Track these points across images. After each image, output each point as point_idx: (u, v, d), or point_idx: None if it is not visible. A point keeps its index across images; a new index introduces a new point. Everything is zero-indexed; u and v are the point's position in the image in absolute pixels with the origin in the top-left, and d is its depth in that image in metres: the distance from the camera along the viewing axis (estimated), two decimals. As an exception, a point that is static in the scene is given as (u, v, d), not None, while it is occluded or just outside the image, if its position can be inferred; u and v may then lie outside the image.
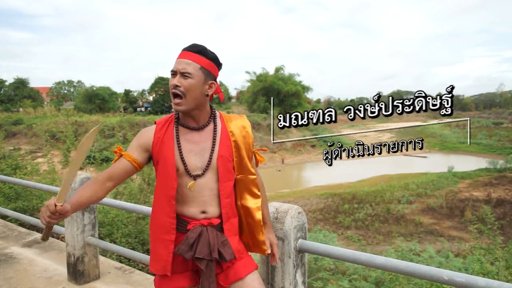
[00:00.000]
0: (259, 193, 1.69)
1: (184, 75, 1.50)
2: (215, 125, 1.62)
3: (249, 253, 1.75)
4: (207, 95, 1.57)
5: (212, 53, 1.56)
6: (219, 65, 1.59)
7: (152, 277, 3.19)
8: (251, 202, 1.66)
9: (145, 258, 2.65)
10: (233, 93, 67.41)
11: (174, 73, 1.52)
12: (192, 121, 1.59)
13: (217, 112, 1.66)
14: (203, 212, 1.59)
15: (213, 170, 1.58)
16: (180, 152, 1.56)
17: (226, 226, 1.62)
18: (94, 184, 1.55)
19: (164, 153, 1.56)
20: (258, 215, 1.66)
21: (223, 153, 1.59)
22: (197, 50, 1.53)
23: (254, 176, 1.66)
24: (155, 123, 1.63)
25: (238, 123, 1.65)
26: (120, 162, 1.58)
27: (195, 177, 1.57)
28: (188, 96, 1.51)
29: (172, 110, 1.63)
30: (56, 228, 3.50)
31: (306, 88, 48.98)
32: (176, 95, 1.52)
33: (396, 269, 1.62)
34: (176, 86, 1.50)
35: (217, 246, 1.54)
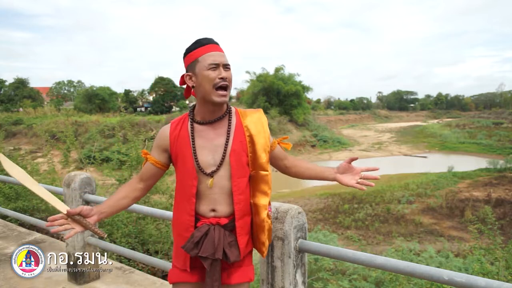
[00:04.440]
0: (269, 191, 1.64)
1: (226, 67, 1.53)
2: (229, 120, 1.60)
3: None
4: None
5: None
6: None
7: (152, 277, 3.19)
8: (260, 200, 1.61)
9: (145, 258, 2.65)
10: (233, 93, 67.43)
11: (216, 66, 1.50)
12: (211, 114, 1.57)
13: (232, 107, 1.65)
14: (213, 210, 1.58)
15: (226, 167, 1.56)
16: (194, 150, 1.55)
17: (240, 223, 1.59)
18: (127, 186, 1.66)
19: (182, 152, 1.57)
20: (263, 214, 1.62)
21: (236, 147, 1.56)
22: (218, 43, 1.58)
23: (266, 172, 1.61)
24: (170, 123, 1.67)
25: (254, 118, 1.63)
26: (146, 164, 1.70)
27: (211, 174, 1.55)
28: (230, 87, 1.55)
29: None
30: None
31: (306, 88, 48.89)
32: (223, 88, 1.52)
33: (396, 269, 1.62)
34: (225, 79, 1.51)
35: (222, 246, 1.52)
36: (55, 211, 5.41)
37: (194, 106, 1.64)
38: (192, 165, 1.55)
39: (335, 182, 1.75)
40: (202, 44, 1.54)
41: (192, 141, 1.56)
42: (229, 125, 1.59)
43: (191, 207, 1.57)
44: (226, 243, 1.54)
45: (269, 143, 1.64)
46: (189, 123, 1.59)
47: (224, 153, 1.55)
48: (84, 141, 27.89)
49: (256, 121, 1.62)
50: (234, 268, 1.61)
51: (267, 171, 1.62)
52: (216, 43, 1.56)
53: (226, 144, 1.56)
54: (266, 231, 1.64)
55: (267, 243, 1.67)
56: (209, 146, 1.56)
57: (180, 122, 1.62)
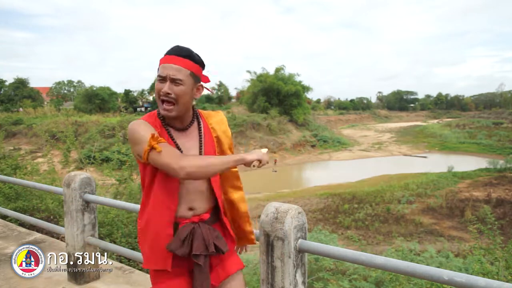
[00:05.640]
0: (241, 185, 1.74)
1: (175, 81, 1.47)
2: (199, 124, 1.64)
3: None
4: (196, 99, 1.59)
5: (198, 56, 1.55)
6: (204, 67, 1.59)
7: (152, 277, 3.19)
8: (235, 195, 1.71)
9: (145, 258, 2.64)
10: (233, 93, 67.40)
11: (163, 78, 1.48)
12: (178, 123, 1.59)
13: (196, 110, 1.68)
14: (191, 209, 1.59)
15: None
16: (178, 148, 1.55)
17: (225, 218, 1.68)
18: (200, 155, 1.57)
19: None
20: (243, 207, 1.72)
21: (208, 148, 1.62)
22: (185, 55, 1.50)
23: (236, 169, 1.71)
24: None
25: (217, 119, 1.70)
26: (167, 145, 1.44)
27: None
28: (179, 102, 1.49)
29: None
30: (56, 228, 3.50)
31: (306, 88, 48.92)
32: (167, 101, 1.49)
33: (396, 269, 1.62)
34: (167, 94, 1.47)
35: (212, 240, 1.55)
36: (55, 211, 5.40)
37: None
38: None
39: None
40: (165, 54, 1.52)
41: (174, 141, 1.55)
42: (200, 128, 1.63)
43: (174, 202, 1.54)
44: (213, 236, 1.57)
45: (232, 142, 1.73)
46: (164, 126, 1.56)
47: (200, 154, 1.59)
48: (84, 141, 27.91)
49: (219, 122, 1.69)
50: (226, 259, 1.66)
51: (236, 167, 1.68)
52: (178, 54, 1.49)
53: (200, 147, 1.60)
54: (249, 220, 1.73)
55: (252, 230, 1.75)
56: (184, 148, 1.57)
57: (157, 123, 1.54)
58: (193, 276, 1.56)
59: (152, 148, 1.39)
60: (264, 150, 1.58)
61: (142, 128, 1.46)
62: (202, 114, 1.69)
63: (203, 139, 1.62)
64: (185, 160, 1.40)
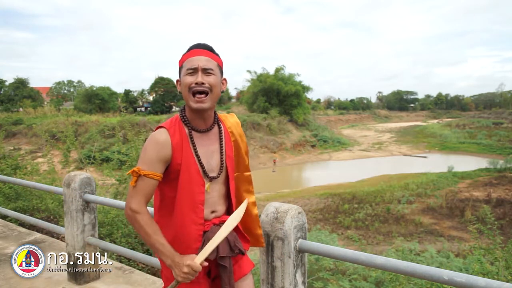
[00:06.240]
0: (253, 190, 1.74)
1: (207, 71, 1.49)
2: (219, 127, 1.63)
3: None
4: (222, 92, 1.60)
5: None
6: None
7: (152, 277, 3.19)
8: (248, 199, 1.69)
9: (145, 258, 2.65)
10: (233, 93, 67.38)
11: (193, 70, 1.48)
12: (202, 122, 1.57)
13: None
14: (213, 211, 1.61)
15: (223, 171, 1.62)
16: (198, 156, 1.55)
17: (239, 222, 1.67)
18: (152, 219, 1.50)
19: (186, 160, 1.52)
20: (255, 211, 1.72)
21: (228, 152, 1.63)
22: (209, 48, 1.54)
23: (249, 173, 1.71)
24: (157, 128, 1.55)
25: (234, 123, 1.69)
26: (147, 182, 1.48)
27: (211, 179, 1.57)
28: (213, 92, 1.50)
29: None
30: (56, 228, 3.50)
31: (306, 88, 48.88)
32: (200, 92, 1.48)
33: (396, 269, 1.63)
34: (202, 84, 1.47)
35: (234, 242, 1.58)
36: (55, 211, 5.40)
37: (183, 109, 1.60)
38: (198, 173, 1.54)
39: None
40: (188, 49, 1.54)
41: (195, 148, 1.54)
42: (220, 132, 1.62)
43: (199, 215, 1.54)
44: (234, 238, 1.61)
45: (246, 146, 1.74)
46: (187, 129, 1.55)
47: (222, 158, 1.60)
48: (84, 141, 27.89)
49: (236, 126, 1.69)
50: (240, 259, 1.68)
51: (250, 171, 1.72)
52: (203, 47, 1.53)
53: (222, 150, 1.60)
54: (260, 224, 1.75)
55: (262, 233, 1.77)
56: (207, 152, 1.58)
57: (176, 128, 1.54)
58: (220, 277, 1.57)
59: (131, 175, 1.48)
60: (200, 259, 1.45)
61: (150, 150, 1.49)
62: (220, 116, 1.67)
63: (223, 143, 1.61)
64: (137, 211, 1.45)
